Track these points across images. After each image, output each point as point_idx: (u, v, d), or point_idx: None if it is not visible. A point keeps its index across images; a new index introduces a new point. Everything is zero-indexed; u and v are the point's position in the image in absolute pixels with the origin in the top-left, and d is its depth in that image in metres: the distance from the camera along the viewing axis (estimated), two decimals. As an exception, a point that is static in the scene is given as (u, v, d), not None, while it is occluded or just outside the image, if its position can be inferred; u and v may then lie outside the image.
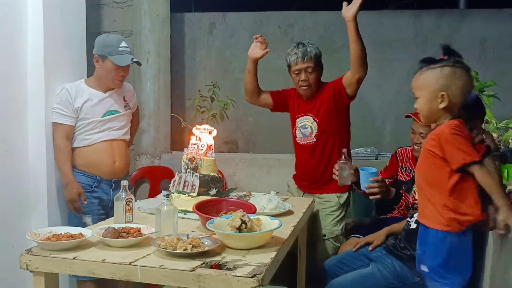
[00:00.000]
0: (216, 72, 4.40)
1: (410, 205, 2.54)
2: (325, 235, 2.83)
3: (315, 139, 2.83)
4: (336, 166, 2.53)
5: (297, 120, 2.90)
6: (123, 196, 2.08)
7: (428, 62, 1.68)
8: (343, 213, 2.86)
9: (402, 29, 4.20)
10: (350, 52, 2.61)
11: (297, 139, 2.91)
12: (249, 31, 4.40)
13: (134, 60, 2.67)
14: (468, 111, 1.77)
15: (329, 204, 2.85)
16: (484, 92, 2.42)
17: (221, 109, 3.82)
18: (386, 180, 2.55)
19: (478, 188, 1.65)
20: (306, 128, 2.86)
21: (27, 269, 1.71)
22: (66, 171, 2.67)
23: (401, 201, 2.55)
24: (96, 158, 2.70)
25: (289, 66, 2.84)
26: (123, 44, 2.66)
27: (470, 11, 4.24)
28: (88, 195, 2.68)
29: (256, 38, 2.91)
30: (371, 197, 2.40)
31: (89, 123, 2.68)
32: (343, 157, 2.50)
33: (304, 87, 2.80)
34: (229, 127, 4.20)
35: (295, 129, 2.92)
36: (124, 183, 2.11)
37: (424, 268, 1.77)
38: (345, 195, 2.84)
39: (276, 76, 4.28)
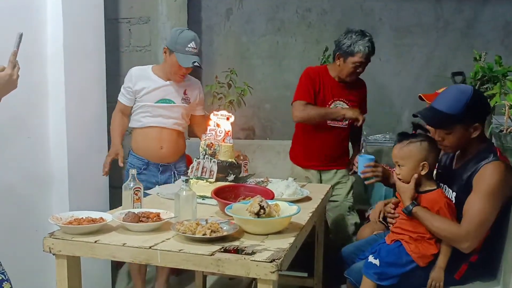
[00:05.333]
0: (233, 58, 4.39)
1: None
2: (337, 201, 3.00)
3: (347, 126, 2.99)
4: (357, 159, 2.51)
5: (333, 103, 2.94)
6: (131, 185, 2.03)
7: (407, 136, 2.02)
8: (352, 184, 3.03)
9: (422, 13, 4.10)
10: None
11: (328, 121, 2.95)
12: (266, 17, 4.37)
13: (195, 63, 2.68)
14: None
15: (341, 174, 3.03)
16: (508, 77, 2.37)
17: (238, 95, 3.81)
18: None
19: None
20: None
21: (50, 252, 1.74)
22: (113, 138, 2.91)
23: None
24: (144, 142, 2.84)
25: (349, 53, 2.77)
26: (192, 44, 2.69)
27: (493, -6, 4.12)
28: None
29: None
30: (366, 182, 2.43)
31: (142, 106, 2.81)
32: (363, 151, 2.59)
33: (352, 77, 2.88)
34: (246, 113, 4.20)
35: None
36: (133, 171, 2.04)
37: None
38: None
39: (293, 61, 4.28)
